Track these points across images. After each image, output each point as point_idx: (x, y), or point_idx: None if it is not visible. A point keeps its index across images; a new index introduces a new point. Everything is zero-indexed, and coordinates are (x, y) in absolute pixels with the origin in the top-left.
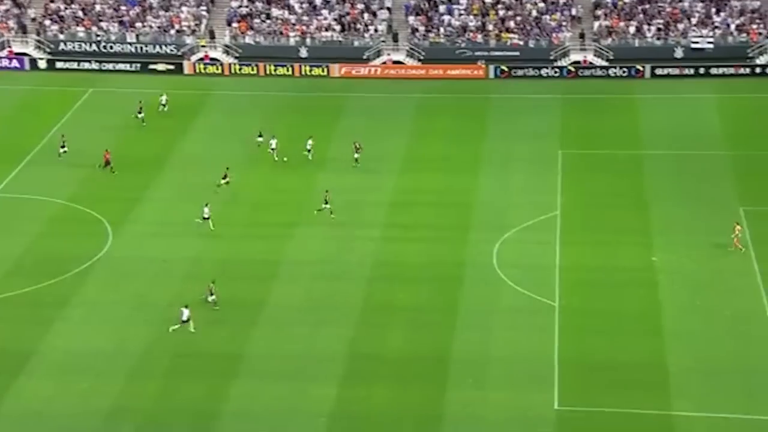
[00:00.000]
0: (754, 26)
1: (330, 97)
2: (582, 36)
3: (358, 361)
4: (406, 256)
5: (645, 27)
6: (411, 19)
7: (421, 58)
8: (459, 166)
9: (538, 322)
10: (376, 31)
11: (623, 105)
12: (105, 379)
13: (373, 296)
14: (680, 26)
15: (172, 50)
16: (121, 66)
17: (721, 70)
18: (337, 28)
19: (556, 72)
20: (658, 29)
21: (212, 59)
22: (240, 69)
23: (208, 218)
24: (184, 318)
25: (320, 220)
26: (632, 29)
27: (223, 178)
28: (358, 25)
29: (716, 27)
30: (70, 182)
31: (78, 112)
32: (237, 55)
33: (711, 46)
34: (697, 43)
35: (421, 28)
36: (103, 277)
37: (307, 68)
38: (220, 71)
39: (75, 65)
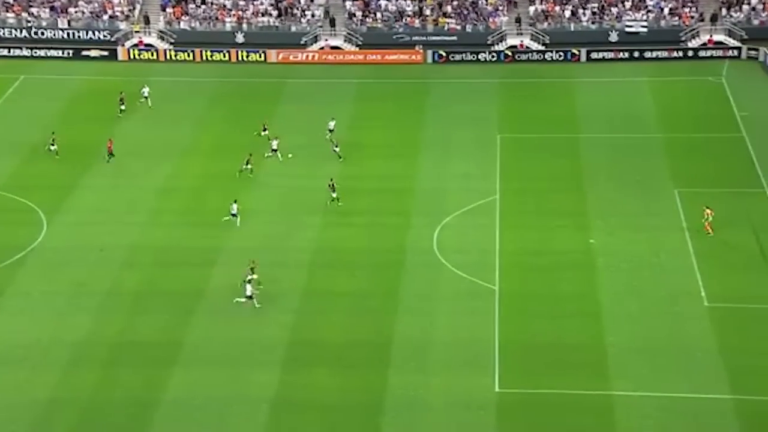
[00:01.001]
0: (686, 10)
1: (267, 83)
2: (519, 20)
3: (300, 347)
4: (347, 242)
5: (580, 11)
6: (348, 4)
7: (359, 43)
8: (399, 151)
9: (478, 305)
10: (313, 16)
11: (560, 89)
12: (42, 370)
13: (314, 282)
14: (614, 10)
15: (105, 36)
16: (53, 52)
17: (654, 54)
18: (274, 13)
19: (493, 56)
20: (593, 13)
21: (147, 45)
22: (175, 55)
23: (236, 215)
24: (248, 293)
25: (261, 206)
26: (567, 13)
27: (246, 164)
28: (295, 11)
29: (649, 11)
30: (2, 171)
31: (9, 100)
32: (172, 40)
33: (645, 29)
34: (631, 26)
35: (359, 14)
36: (39, 266)
37: (244, 54)
38: (155, 57)
39: (5, 52)
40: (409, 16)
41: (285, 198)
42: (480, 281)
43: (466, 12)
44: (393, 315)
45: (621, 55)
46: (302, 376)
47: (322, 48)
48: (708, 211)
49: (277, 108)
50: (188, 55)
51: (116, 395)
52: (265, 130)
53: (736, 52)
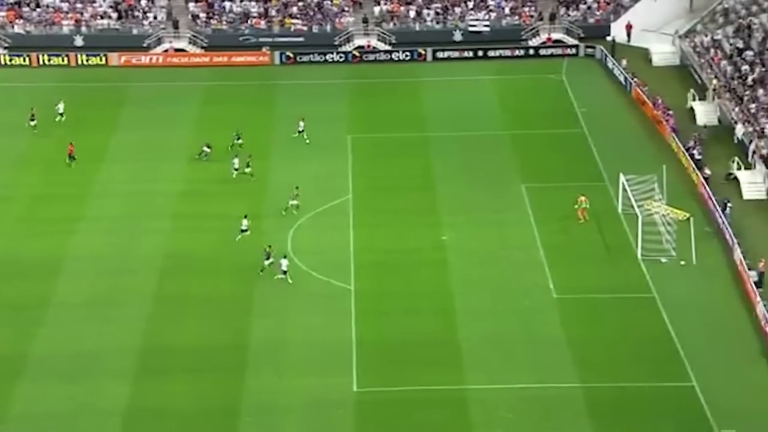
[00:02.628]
0: (526, 9)
1: (110, 87)
2: (365, 21)
3: (152, 355)
4: (198, 247)
5: (424, 11)
6: (191, 5)
7: (204, 45)
8: (248, 153)
9: (334, 306)
10: (155, 18)
11: (407, 88)
12: None
13: (165, 288)
14: (458, 10)
15: None
16: None
17: (497, 53)
18: (114, 15)
19: (341, 57)
20: (437, 13)
21: None
22: (10, 60)
23: (246, 230)
24: (284, 267)
25: (104, 213)
26: (412, 13)
27: (247, 167)
28: (136, 12)
29: (491, 10)
30: None
31: None
32: (6, 45)
33: (487, 28)
34: (474, 26)
35: (203, 15)
36: None
37: (84, 58)
38: None
39: None
40: (254, 17)
41: (129, 203)
42: (335, 281)
43: (311, 13)
44: (248, 318)
45: (465, 54)
46: (156, 385)
47: (166, 51)
48: (582, 198)
49: (121, 112)
50: (24, 60)
51: None
52: (238, 138)
53: (574, 50)
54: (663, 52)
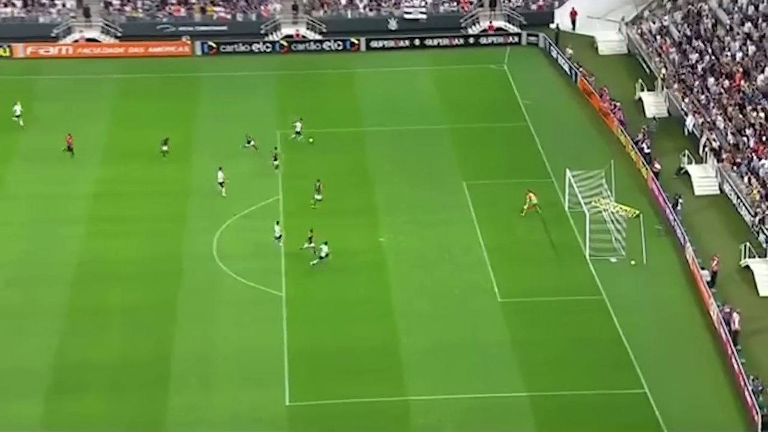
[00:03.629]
0: None
1: (15, 80)
2: (294, 8)
3: (67, 372)
4: (117, 253)
5: None
6: None
7: (119, 34)
8: (169, 151)
9: (264, 314)
10: (64, 6)
11: (340, 80)
12: None
13: (81, 299)
14: None
15: None
16: None
17: (435, 41)
18: (18, 3)
19: (268, 47)
20: (370, 0)
21: None
22: None
23: (279, 237)
24: (323, 254)
25: (12, 218)
26: (344, 0)
27: (275, 159)
28: (43, 1)
29: None
30: None
31: None
32: None
33: (424, 16)
34: (410, 13)
35: (116, 2)
36: None
37: None
38: None
39: None
40: (173, 4)
41: (40, 207)
42: (265, 288)
43: (235, 0)
44: (171, 329)
45: (401, 43)
46: (71, 403)
47: (76, 41)
48: (531, 194)
49: (29, 107)
50: None
51: None
52: (249, 142)
53: (516, 39)
54: (609, 40)
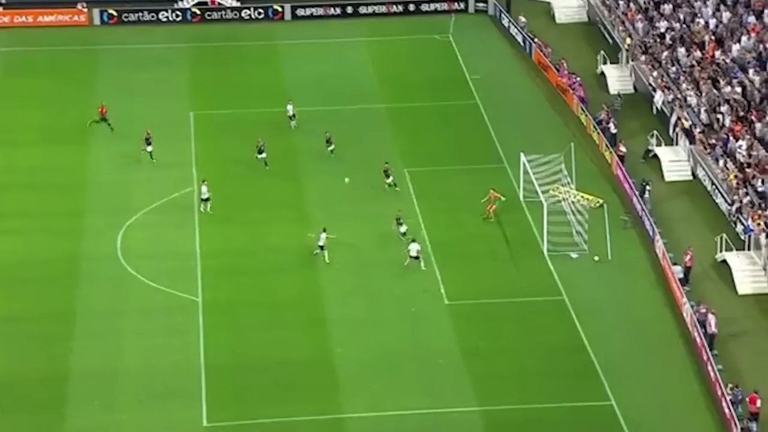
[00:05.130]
0: None
1: None
2: None
3: None
4: (2, 254)
5: None
6: None
7: (3, 2)
8: (63, 137)
9: (178, 322)
10: None
11: (262, 53)
12: None
13: None
14: None
15: None
16: None
17: (371, 9)
18: None
19: (177, 16)
20: None
21: None
22: None
23: (323, 246)
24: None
25: None
26: None
27: (259, 153)
28: None
29: None
30: None
31: None
32: None
33: None
34: None
35: None
36: None
37: None
38: None
39: None
40: None
41: None
42: (178, 292)
43: None
44: (69, 342)
45: (332, 11)
46: None
47: None
48: (493, 193)
49: None
50: None
51: None
52: (261, 152)
53: (462, 5)
54: (567, 6)
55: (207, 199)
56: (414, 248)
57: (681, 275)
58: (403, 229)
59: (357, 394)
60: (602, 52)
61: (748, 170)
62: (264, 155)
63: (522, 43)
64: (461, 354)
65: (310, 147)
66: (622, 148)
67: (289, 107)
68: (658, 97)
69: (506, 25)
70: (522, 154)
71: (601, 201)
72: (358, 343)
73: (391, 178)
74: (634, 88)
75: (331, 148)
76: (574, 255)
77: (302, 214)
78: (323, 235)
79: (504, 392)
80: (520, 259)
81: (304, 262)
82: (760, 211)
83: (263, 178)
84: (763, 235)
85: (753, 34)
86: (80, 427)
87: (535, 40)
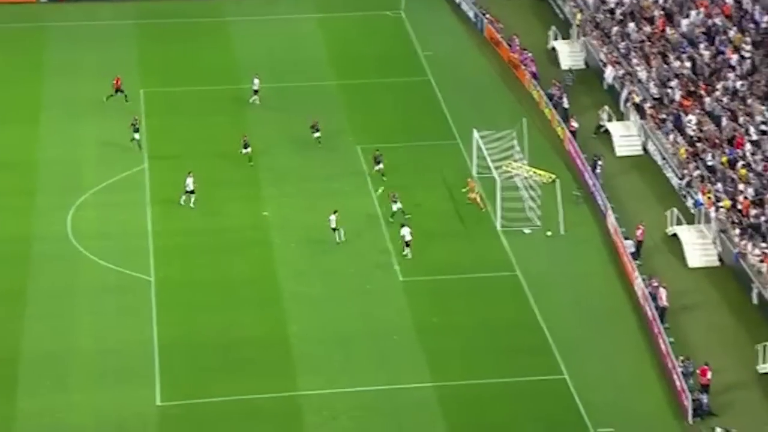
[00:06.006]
0: None
1: None
2: None
3: None
4: None
5: None
6: None
7: None
8: (10, 115)
9: (130, 301)
10: None
11: (211, 30)
12: None
13: None
14: None
15: None
16: None
17: None
18: None
19: None
20: None
21: None
22: None
23: (337, 229)
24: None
25: None
26: None
27: (245, 147)
28: None
29: None
30: None
31: None
32: None
33: None
34: None
35: None
36: None
37: None
38: None
39: None
40: None
41: None
42: (130, 271)
43: None
44: (19, 323)
45: None
46: None
47: None
48: (471, 183)
49: None
50: None
51: None
52: (246, 146)
53: None
54: None
55: (192, 192)
56: (406, 232)
57: (632, 249)
58: (395, 207)
59: (312, 372)
60: (553, 27)
61: (698, 144)
62: (249, 150)
63: (473, 19)
64: (416, 330)
65: (261, 124)
66: (574, 124)
67: (256, 81)
68: (609, 73)
69: (458, 1)
70: (475, 131)
71: (553, 176)
72: (313, 321)
73: (380, 165)
74: (585, 63)
75: (317, 135)
76: (527, 230)
77: (254, 192)
78: (333, 217)
79: (458, 368)
80: (473, 234)
81: (258, 240)
82: (709, 185)
83: (216, 156)
84: (712, 209)
85: (702, 9)
86: (32, 409)
87: (487, 15)
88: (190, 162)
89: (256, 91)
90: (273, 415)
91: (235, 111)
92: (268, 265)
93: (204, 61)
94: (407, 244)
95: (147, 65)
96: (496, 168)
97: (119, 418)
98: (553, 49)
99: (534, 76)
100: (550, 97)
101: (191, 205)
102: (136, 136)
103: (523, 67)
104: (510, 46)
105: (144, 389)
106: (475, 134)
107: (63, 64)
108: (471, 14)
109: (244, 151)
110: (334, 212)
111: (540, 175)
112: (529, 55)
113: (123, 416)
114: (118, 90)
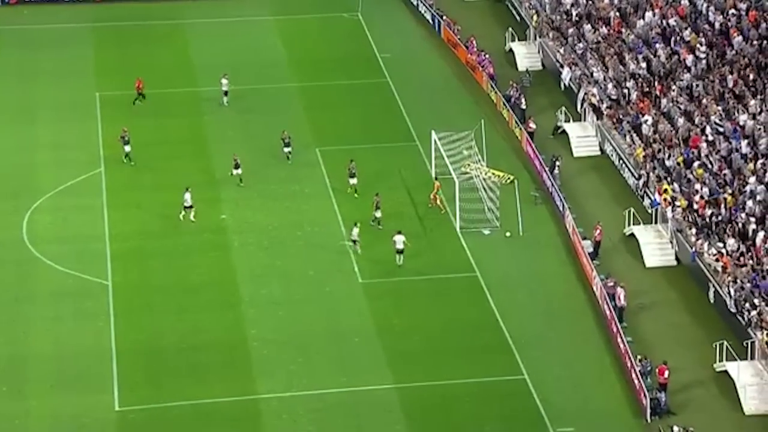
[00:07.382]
0: None
1: None
2: None
3: None
4: None
5: None
6: None
7: None
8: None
9: (87, 306)
10: None
11: (168, 33)
12: None
13: None
14: None
15: None
16: None
17: None
18: None
19: None
20: None
21: None
22: None
23: (357, 241)
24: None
25: None
26: None
27: (235, 168)
28: None
29: None
30: None
31: None
32: None
33: None
34: None
35: None
36: None
37: None
38: None
39: None
40: None
41: None
42: (87, 276)
43: None
44: None
45: None
46: None
47: None
48: (437, 185)
49: None
50: None
51: None
52: (237, 167)
53: None
54: None
55: (190, 207)
56: (399, 240)
57: (591, 249)
58: (378, 214)
59: (272, 375)
60: (510, 29)
61: (654, 145)
62: (240, 171)
63: (431, 21)
64: (376, 332)
65: (219, 126)
66: (532, 125)
67: (224, 81)
68: (566, 74)
69: (414, 2)
70: (433, 132)
71: (511, 177)
72: (273, 324)
73: (355, 180)
74: (542, 64)
75: (288, 150)
76: (486, 231)
77: (212, 195)
78: (355, 231)
79: (419, 369)
80: (433, 236)
81: (216, 243)
82: (666, 185)
83: (173, 159)
84: (669, 209)
85: (657, 10)
86: None
87: (444, 17)
88: (146, 164)
89: (226, 92)
90: (232, 419)
91: (192, 113)
92: (226, 268)
93: (161, 64)
94: (399, 252)
95: (103, 68)
96: (455, 169)
97: (77, 424)
98: (511, 50)
99: (491, 77)
100: (508, 98)
101: (192, 219)
102: (127, 149)
103: (480, 68)
104: (467, 47)
105: (102, 394)
106: (434, 135)
107: (18, 67)
108: (428, 16)
109: (234, 172)
110: (356, 224)
111: (498, 176)
112: (487, 56)
113: (81, 422)
114: (140, 93)
